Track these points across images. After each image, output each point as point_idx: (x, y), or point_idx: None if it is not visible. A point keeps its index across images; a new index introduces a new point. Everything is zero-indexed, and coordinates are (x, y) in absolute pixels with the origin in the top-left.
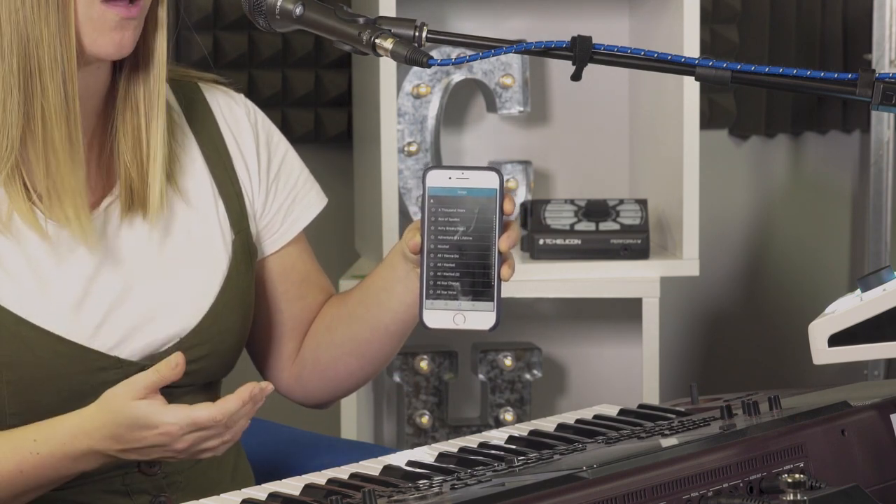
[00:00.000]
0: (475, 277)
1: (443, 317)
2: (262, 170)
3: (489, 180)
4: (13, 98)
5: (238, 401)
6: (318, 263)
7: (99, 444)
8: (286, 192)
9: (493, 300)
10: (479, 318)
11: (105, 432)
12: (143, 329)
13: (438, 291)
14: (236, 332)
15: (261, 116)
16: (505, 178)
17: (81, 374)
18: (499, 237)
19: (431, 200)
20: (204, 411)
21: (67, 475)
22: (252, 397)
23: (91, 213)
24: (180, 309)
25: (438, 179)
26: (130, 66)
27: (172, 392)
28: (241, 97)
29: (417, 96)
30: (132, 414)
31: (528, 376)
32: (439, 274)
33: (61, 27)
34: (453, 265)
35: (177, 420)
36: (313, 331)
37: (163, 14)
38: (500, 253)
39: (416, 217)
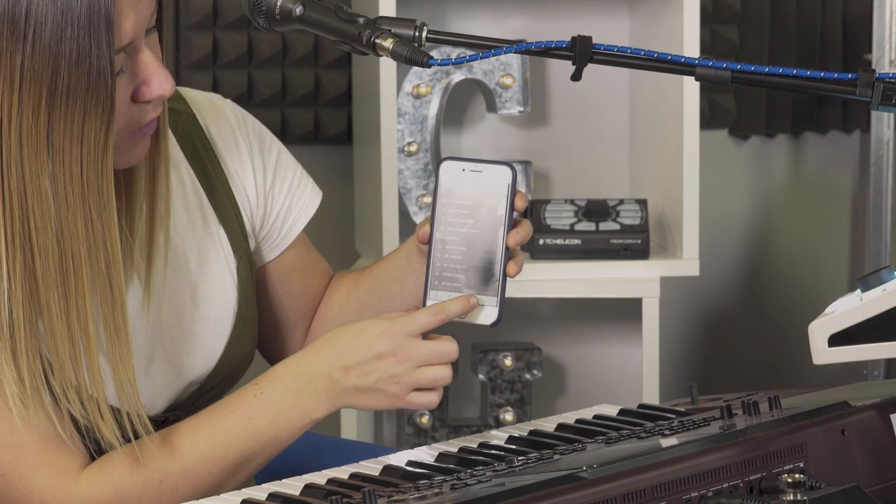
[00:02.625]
0: (481, 272)
1: None
2: (258, 183)
3: (502, 175)
4: (56, 297)
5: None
6: (315, 251)
7: (323, 364)
8: (283, 198)
9: (496, 296)
10: (481, 312)
11: (331, 350)
12: (166, 385)
13: (443, 283)
14: (248, 355)
15: (249, 120)
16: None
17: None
18: (507, 233)
19: (443, 192)
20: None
21: (292, 418)
22: None
23: None
24: (198, 359)
25: (452, 171)
26: None
27: (178, 418)
28: (227, 103)
29: (417, 96)
30: (359, 325)
31: (528, 376)
32: (445, 265)
33: (104, 210)
34: (460, 258)
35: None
36: (322, 317)
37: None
38: (507, 248)
39: (416, 217)
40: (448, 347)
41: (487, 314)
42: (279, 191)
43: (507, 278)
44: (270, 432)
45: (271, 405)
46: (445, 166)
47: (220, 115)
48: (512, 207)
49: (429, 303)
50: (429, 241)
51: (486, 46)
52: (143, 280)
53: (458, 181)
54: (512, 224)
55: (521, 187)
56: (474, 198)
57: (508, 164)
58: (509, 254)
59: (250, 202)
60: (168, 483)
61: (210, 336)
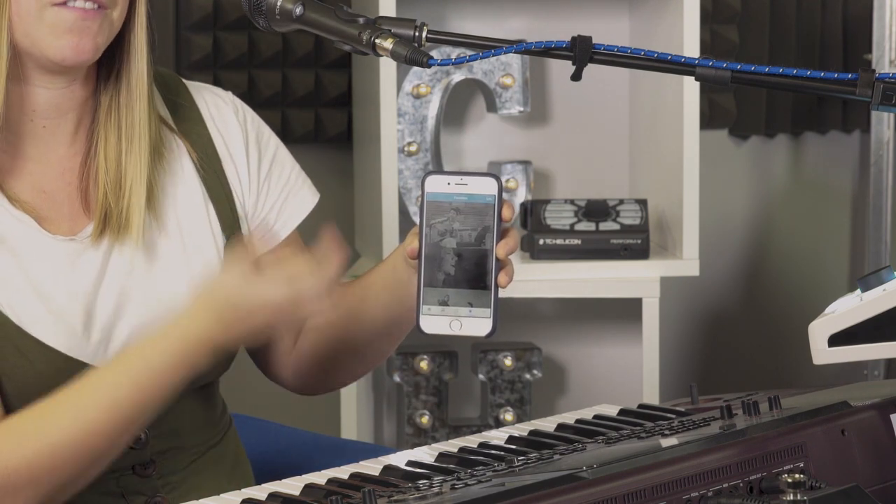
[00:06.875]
0: (472, 284)
1: (440, 322)
2: (252, 169)
3: (488, 186)
4: None
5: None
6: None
7: (211, 340)
8: (278, 191)
9: (490, 307)
10: (475, 324)
11: (216, 328)
12: (141, 329)
13: (435, 297)
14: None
15: (249, 114)
16: (505, 178)
17: None
18: (497, 244)
19: (430, 206)
20: (310, 282)
21: (181, 381)
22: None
23: (77, 234)
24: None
25: (437, 185)
26: (114, 83)
27: None
28: (228, 95)
29: (417, 96)
30: (241, 304)
31: (528, 376)
32: (436, 280)
33: None
34: (451, 271)
35: (285, 296)
36: (311, 325)
37: (140, 28)
38: (497, 259)
39: (416, 217)
40: (294, 268)
41: (482, 326)
42: (276, 182)
43: (500, 288)
44: (156, 395)
45: (163, 375)
46: (430, 181)
47: (218, 98)
48: (500, 218)
49: (422, 318)
50: (418, 257)
51: (486, 46)
52: (144, 228)
53: (443, 195)
54: (500, 235)
55: (522, 187)
56: (462, 211)
57: (493, 174)
58: (500, 264)
59: (241, 185)
60: (58, 456)
61: (189, 296)
